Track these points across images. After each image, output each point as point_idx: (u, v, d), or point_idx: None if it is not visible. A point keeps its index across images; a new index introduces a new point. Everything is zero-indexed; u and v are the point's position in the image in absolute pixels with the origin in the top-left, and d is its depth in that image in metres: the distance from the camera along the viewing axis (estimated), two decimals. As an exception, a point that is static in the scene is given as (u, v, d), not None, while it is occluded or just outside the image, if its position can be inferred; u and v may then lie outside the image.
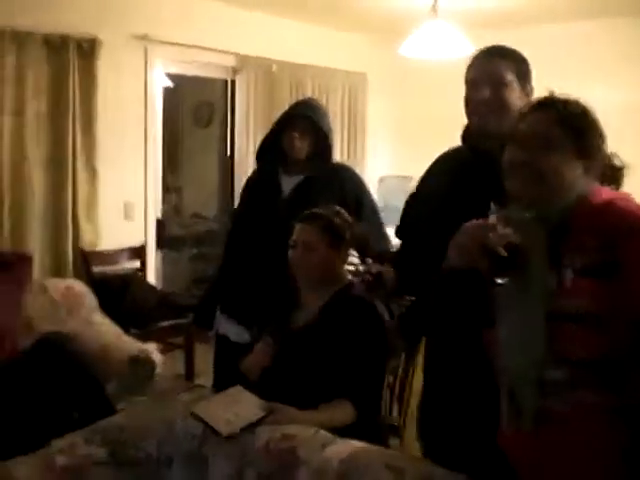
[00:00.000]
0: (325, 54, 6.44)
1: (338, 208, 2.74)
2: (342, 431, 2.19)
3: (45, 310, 3.93)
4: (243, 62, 5.76)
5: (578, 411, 1.62)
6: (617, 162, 1.86)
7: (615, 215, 1.62)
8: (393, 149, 7.04)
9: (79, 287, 4.22)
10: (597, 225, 1.62)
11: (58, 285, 4.16)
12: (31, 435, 2.69)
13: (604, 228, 1.60)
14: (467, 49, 4.27)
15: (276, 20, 5.99)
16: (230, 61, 5.74)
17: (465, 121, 2.29)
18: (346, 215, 2.72)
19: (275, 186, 3.36)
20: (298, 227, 2.66)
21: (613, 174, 1.84)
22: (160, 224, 5.45)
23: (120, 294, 4.53)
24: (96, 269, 4.71)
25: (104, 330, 4.01)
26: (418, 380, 2.67)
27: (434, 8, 4.74)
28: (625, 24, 5.67)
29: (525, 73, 2.26)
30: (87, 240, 4.73)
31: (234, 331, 3.34)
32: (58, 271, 4.60)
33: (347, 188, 3.31)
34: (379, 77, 6.97)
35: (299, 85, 6.11)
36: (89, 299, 4.18)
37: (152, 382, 3.59)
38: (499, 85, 2.18)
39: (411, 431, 2.56)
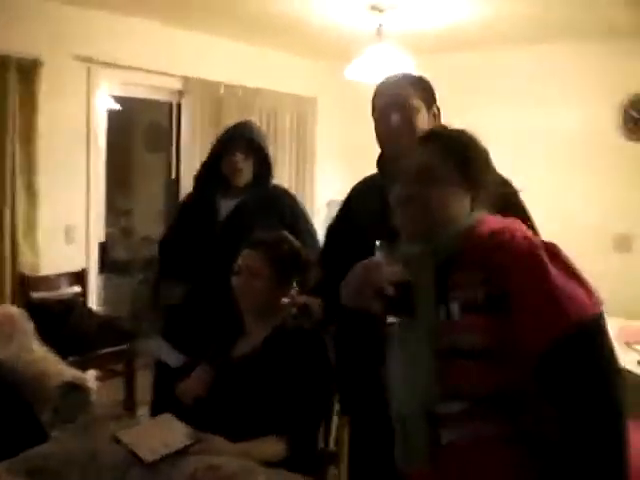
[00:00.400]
0: (274, 77, 6.41)
1: (286, 234, 2.69)
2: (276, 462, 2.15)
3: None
4: (189, 85, 5.72)
5: (477, 443, 1.58)
6: (510, 188, 1.88)
7: (500, 247, 1.59)
8: (342, 173, 7.05)
9: (15, 313, 4.10)
10: (482, 258, 1.60)
11: (-7, 309, 4.05)
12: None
13: (489, 261, 1.58)
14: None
15: (223, 42, 5.98)
16: (176, 84, 5.70)
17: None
18: (294, 242, 2.68)
19: (212, 210, 3.29)
20: (244, 253, 2.59)
21: (508, 200, 1.84)
22: (103, 247, 5.35)
23: (60, 320, 4.42)
24: (36, 294, 4.60)
25: (40, 357, 3.88)
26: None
27: (379, 32, 4.77)
28: (567, 47, 5.75)
29: (430, 96, 2.32)
30: (26, 264, 4.62)
31: (172, 356, 3.26)
32: (-5, 295, 4.48)
33: (285, 212, 3.28)
34: (328, 101, 6.98)
35: (247, 108, 6.05)
36: (26, 325, 4.05)
37: (88, 410, 3.49)
38: (407, 110, 2.20)
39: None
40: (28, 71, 4.58)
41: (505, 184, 1.90)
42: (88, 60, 5.01)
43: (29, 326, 4.06)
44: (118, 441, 2.17)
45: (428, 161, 1.70)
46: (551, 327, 1.50)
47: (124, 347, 4.68)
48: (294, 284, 2.61)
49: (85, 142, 5.12)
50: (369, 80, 5.02)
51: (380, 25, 4.76)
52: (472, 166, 1.70)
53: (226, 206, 3.28)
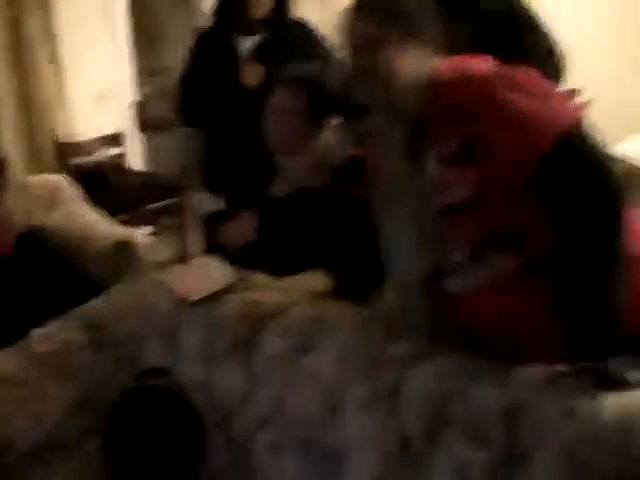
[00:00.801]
0: None
1: (322, 68, 2.60)
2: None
3: (26, 207, 3.87)
4: None
5: (491, 283, 1.58)
6: None
7: (462, 94, 1.54)
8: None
9: (58, 180, 4.14)
10: (447, 107, 1.55)
11: (38, 181, 4.10)
12: (15, 330, 2.69)
13: (455, 110, 1.54)
14: None
15: None
16: None
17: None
18: (332, 76, 2.52)
19: (230, 49, 3.13)
20: (276, 90, 2.46)
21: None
22: (141, 106, 5.29)
23: (102, 182, 4.46)
24: (75, 160, 4.61)
25: (88, 220, 3.96)
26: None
27: None
28: None
29: None
30: (61, 131, 4.62)
31: (212, 202, 3.24)
32: (36, 166, 4.52)
33: (312, 50, 3.09)
34: None
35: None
36: (70, 191, 4.10)
37: (139, 267, 3.57)
38: None
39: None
40: None
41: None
42: None
43: (74, 192, 4.11)
44: (163, 282, 2.21)
45: (371, 30, 1.62)
46: (530, 150, 1.47)
47: (171, 201, 4.71)
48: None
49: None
50: None
51: None
52: (406, 13, 1.63)
53: (246, 44, 3.13)
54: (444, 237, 1.61)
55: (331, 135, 2.42)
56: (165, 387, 2.06)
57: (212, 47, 3.21)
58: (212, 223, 2.76)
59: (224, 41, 3.16)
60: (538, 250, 1.54)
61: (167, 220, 4.86)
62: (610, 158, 1.53)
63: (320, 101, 2.42)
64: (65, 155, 4.57)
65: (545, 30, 2.46)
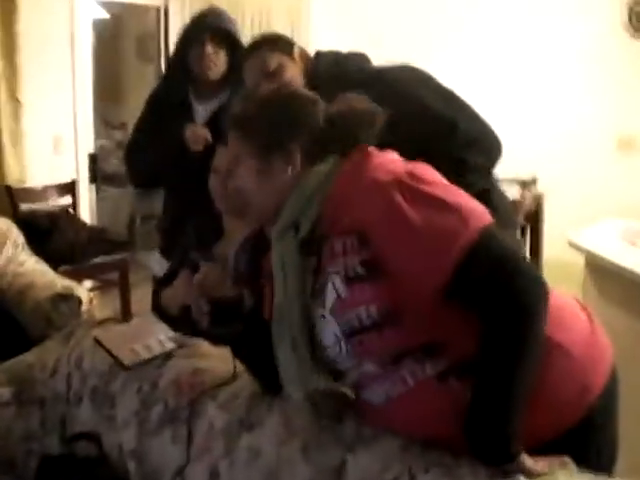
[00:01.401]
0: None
1: None
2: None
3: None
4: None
5: (409, 391, 1.47)
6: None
7: (354, 208, 1.44)
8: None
9: (3, 224, 4.01)
10: (342, 222, 1.45)
11: (-21, 221, 3.96)
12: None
13: (348, 225, 1.44)
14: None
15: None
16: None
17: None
18: None
19: (187, 113, 2.94)
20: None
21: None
22: (94, 159, 5.20)
23: (49, 231, 4.32)
24: (23, 206, 4.48)
25: (30, 268, 3.83)
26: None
27: None
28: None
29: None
30: (13, 176, 4.49)
31: (157, 265, 3.05)
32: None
33: None
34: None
35: (237, 8, 5.72)
36: (15, 236, 3.98)
37: (77, 322, 3.41)
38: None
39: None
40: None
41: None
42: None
43: (18, 237, 3.98)
44: (98, 342, 2.08)
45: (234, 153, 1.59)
46: (436, 266, 1.38)
47: (117, 257, 4.60)
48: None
49: (70, 49, 4.92)
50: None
51: None
52: (261, 129, 1.55)
53: (203, 110, 2.97)
54: (349, 355, 1.49)
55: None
56: (95, 455, 1.92)
57: (163, 107, 3.01)
58: (159, 284, 2.66)
59: (179, 97, 2.98)
60: (460, 355, 1.44)
61: (111, 276, 4.73)
62: (519, 257, 1.48)
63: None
64: (14, 199, 4.42)
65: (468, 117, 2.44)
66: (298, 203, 1.50)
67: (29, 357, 2.33)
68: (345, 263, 1.43)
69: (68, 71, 4.93)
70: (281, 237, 1.53)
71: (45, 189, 4.67)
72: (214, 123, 2.85)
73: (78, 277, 4.13)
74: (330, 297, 1.46)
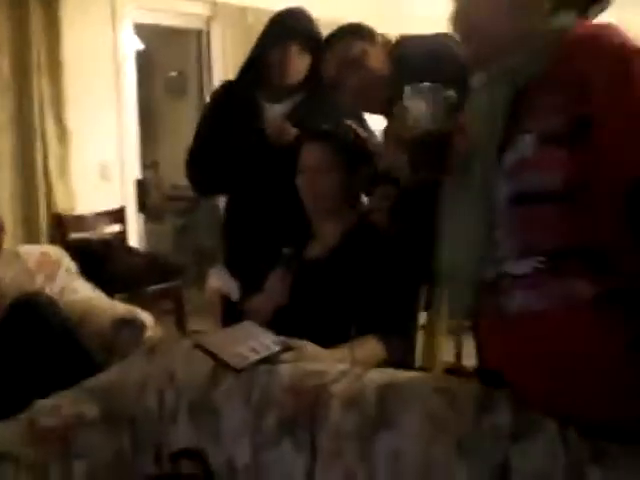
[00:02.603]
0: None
1: (350, 123, 2.39)
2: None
3: (19, 279, 3.58)
4: (218, 10, 5.39)
5: (558, 306, 1.30)
6: None
7: (584, 58, 1.28)
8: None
9: (55, 253, 3.88)
10: (562, 73, 1.30)
11: (32, 251, 3.80)
12: (15, 400, 2.35)
13: (570, 76, 1.28)
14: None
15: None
16: (204, 9, 5.38)
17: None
18: (361, 131, 2.39)
19: (257, 113, 2.76)
20: (306, 148, 2.29)
21: None
22: (141, 185, 5.07)
23: (101, 259, 4.18)
24: (74, 235, 4.36)
25: (86, 295, 3.68)
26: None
27: None
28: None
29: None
30: (62, 204, 4.37)
31: (233, 288, 2.84)
32: (32, 238, 4.26)
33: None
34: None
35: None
36: (67, 265, 3.84)
37: (143, 345, 3.24)
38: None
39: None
40: (49, -1, 4.29)
41: None
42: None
43: (71, 265, 3.85)
44: (201, 348, 1.89)
45: None
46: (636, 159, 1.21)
47: (172, 284, 4.45)
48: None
49: (114, 74, 4.86)
50: None
51: None
52: None
53: (274, 110, 2.78)
54: (513, 232, 1.34)
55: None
56: (202, 472, 1.73)
57: (234, 102, 2.83)
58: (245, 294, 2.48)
59: (248, 97, 2.80)
60: (619, 278, 1.27)
61: (165, 305, 4.57)
62: None
63: (352, 156, 2.27)
64: (63, 227, 4.30)
65: None
66: (536, 47, 1.35)
67: (112, 375, 2.15)
68: (547, 119, 1.29)
69: (113, 98, 4.86)
70: (496, 81, 1.38)
71: (95, 216, 4.57)
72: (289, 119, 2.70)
73: (133, 305, 3.96)
74: (513, 155, 1.33)
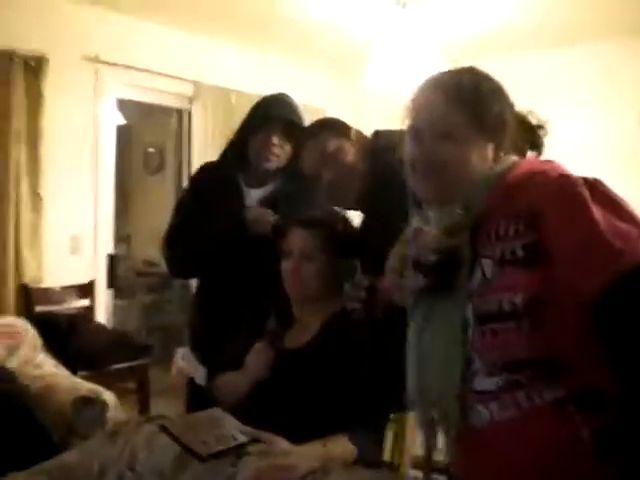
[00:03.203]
0: (284, 87, 6.08)
1: (340, 212, 2.39)
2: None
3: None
4: (200, 90, 5.43)
5: (525, 416, 1.34)
6: (533, 120, 1.62)
7: (531, 190, 1.37)
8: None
9: (20, 325, 3.80)
10: (513, 205, 1.38)
11: (-5, 321, 3.74)
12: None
13: (520, 207, 1.37)
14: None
15: (235, 49, 5.71)
16: (186, 89, 5.42)
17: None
18: (350, 221, 2.38)
19: (237, 197, 2.76)
20: (294, 233, 2.26)
21: (531, 137, 1.61)
22: (113, 260, 5.00)
23: (67, 334, 4.08)
24: (40, 307, 4.27)
25: (48, 371, 3.58)
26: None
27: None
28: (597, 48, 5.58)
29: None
30: (30, 275, 4.29)
31: (199, 372, 2.79)
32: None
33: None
34: (337, 113, 6.62)
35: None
36: (32, 338, 3.76)
37: (104, 426, 3.13)
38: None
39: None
40: (34, 68, 4.31)
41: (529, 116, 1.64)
42: (96, 60, 4.76)
43: (36, 339, 3.76)
44: (166, 431, 1.81)
45: (434, 113, 1.49)
46: (597, 273, 1.26)
47: (137, 362, 4.34)
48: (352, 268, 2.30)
49: (93, 147, 4.85)
50: (393, 86, 4.70)
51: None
52: (484, 108, 1.48)
53: (254, 193, 2.79)
54: (480, 351, 1.39)
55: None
56: None
57: (214, 185, 2.80)
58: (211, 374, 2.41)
59: (229, 180, 2.79)
60: (585, 383, 1.32)
61: (130, 384, 4.44)
62: None
63: (342, 246, 2.25)
64: (30, 299, 4.21)
65: None
66: (483, 187, 1.45)
67: (71, 457, 2.05)
68: (503, 246, 1.37)
69: (90, 171, 4.84)
70: (447, 214, 1.46)
71: (63, 290, 4.47)
72: (268, 206, 2.70)
73: (95, 383, 3.85)
74: (475, 279, 1.40)
